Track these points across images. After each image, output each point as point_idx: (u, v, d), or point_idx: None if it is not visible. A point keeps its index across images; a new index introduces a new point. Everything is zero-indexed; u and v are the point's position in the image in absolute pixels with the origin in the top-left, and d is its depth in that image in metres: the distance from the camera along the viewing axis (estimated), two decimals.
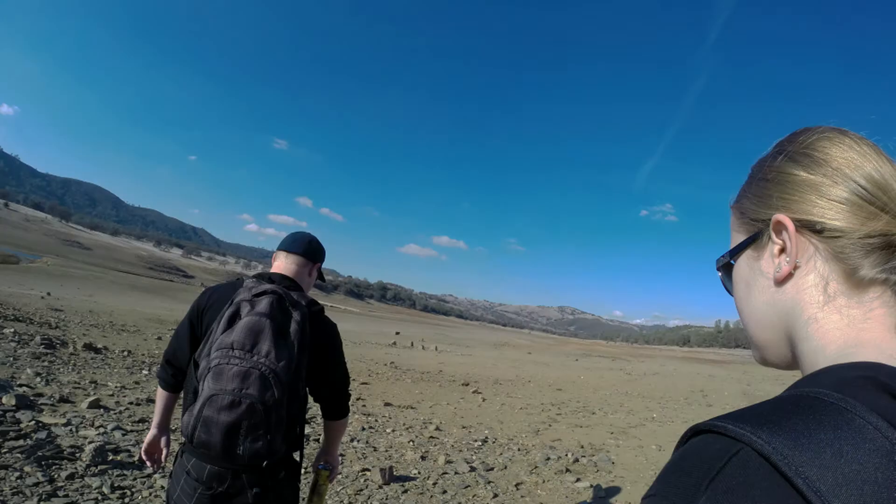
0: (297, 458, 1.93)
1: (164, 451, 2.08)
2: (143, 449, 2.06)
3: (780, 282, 0.59)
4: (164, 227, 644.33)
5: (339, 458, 2.28)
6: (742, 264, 0.65)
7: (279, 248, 2.10)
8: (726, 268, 0.68)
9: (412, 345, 30.98)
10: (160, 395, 2.03)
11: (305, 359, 1.75)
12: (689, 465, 0.46)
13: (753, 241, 0.63)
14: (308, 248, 2.08)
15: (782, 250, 0.59)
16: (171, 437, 2.12)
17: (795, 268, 0.58)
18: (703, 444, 0.47)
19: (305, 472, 4.06)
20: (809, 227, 0.57)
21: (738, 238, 0.66)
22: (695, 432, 0.49)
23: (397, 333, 44.09)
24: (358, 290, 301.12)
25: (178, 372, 1.96)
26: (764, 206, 0.62)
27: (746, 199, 0.65)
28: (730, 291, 0.69)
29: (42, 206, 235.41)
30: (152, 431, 2.06)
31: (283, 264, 2.04)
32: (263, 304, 1.71)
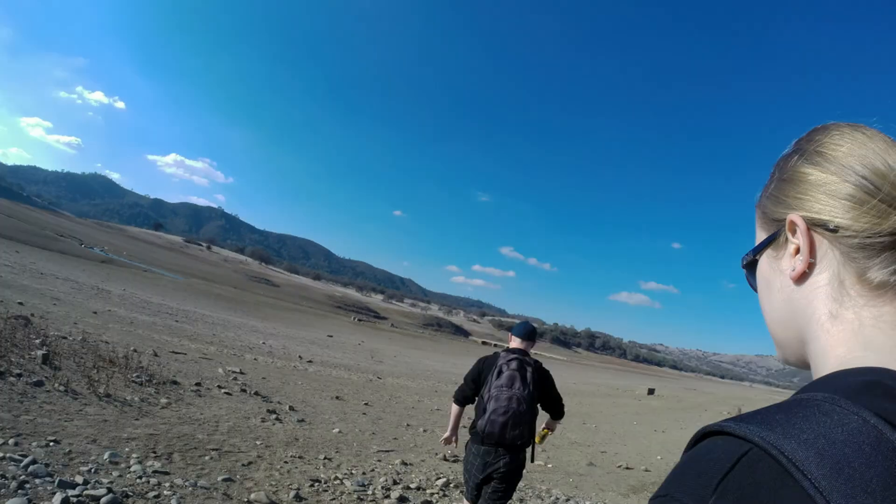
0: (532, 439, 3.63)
1: (456, 440, 4.03)
2: (444, 438, 4.05)
3: (796, 281, 0.60)
4: (373, 277, 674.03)
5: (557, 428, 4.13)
6: (763, 263, 0.66)
7: (513, 334, 3.89)
8: (750, 266, 0.69)
9: None
10: (455, 409, 3.95)
11: (536, 390, 3.55)
12: (698, 466, 0.47)
13: (772, 240, 0.64)
14: (530, 335, 3.87)
15: (798, 250, 0.59)
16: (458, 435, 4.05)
17: (811, 266, 0.58)
18: (713, 446, 0.47)
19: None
20: (823, 226, 0.57)
21: (760, 237, 0.67)
22: (703, 434, 0.50)
23: (651, 393, 37.31)
24: (564, 338, 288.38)
25: (466, 399, 3.83)
26: (781, 206, 0.62)
27: (767, 199, 0.66)
28: (754, 289, 0.70)
29: (244, 251, 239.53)
30: (451, 430, 4.00)
31: (517, 343, 3.80)
32: (514, 364, 3.54)
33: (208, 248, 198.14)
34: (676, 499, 0.46)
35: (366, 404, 10.80)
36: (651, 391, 38.29)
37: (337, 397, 10.75)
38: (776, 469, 0.42)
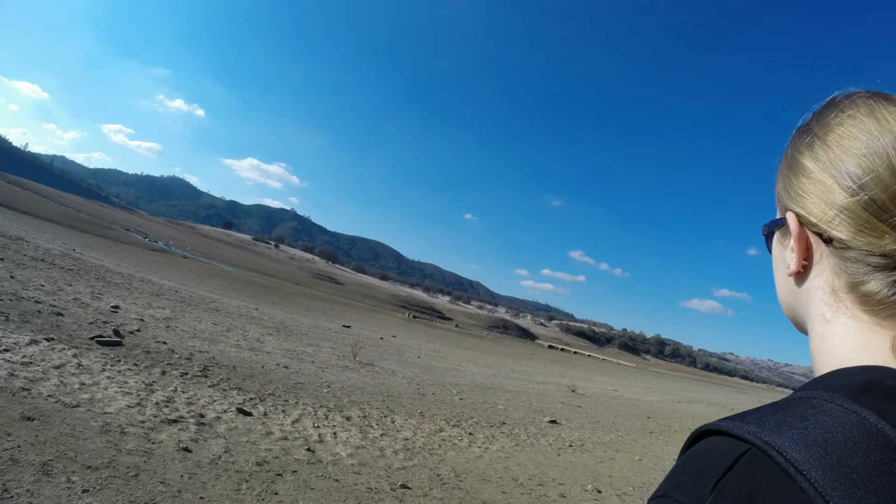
0: None
1: None
2: None
3: (794, 277, 0.59)
4: (442, 279, 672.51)
5: None
6: (774, 241, 0.65)
7: None
8: (768, 237, 0.67)
9: None
10: None
11: None
12: (696, 466, 0.46)
13: (779, 225, 0.62)
14: None
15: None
16: None
17: (806, 268, 0.57)
18: (710, 446, 0.47)
19: None
20: (818, 232, 0.55)
21: (777, 211, 0.65)
22: (700, 434, 0.49)
23: None
24: (633, 344, 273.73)
25: None
26: (786, 195, 0.60)
27: (780, 179, 0.63)
28: (771, 254, 0.68)
29: (312, 250, 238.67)
30: None
31: None
32: None
33: (276, 246, 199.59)
34: (674, 499, 0.45)
35: None
36: None
37: None
38: (774, 469, 0.41)
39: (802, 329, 0.62)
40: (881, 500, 0.38)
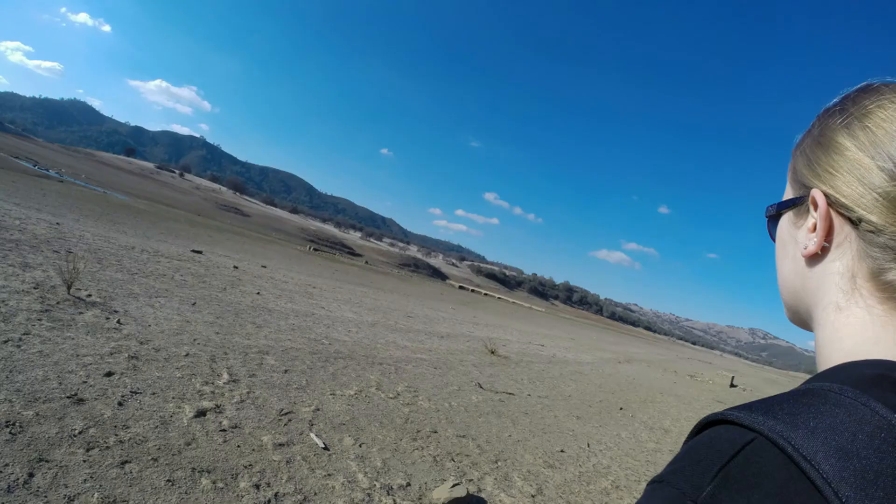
0: None
1: None
2: None
3: (808, 259, 0.57)
4: (355, 215, 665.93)
5: None
6: (784, 222, 0.63)
7: None
8: (773, 218, 0.66)
9: None
10: None
11: None
12: (700, 454, 0.46)
13: (795, 204, 0.60)
14: None
15: (815, 228, 0.56)
16: None
17: (824, 250, 0.55)
18: (716, 434, 0.46)
19: None
20: (846, 212, 0.53)
21: (788, 192, 0.63)
22: (707, 423, 0.49)
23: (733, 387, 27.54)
24: (542, 289, 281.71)
25: None
26: (810, 173, 0.58)
27: (800, 155, 0.61)
28: (773, 239, 0.67)
29: (219, 180, 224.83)
30: None
31: None
32: None
33: (181, 175, 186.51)
34: (671, 484, 0.45)
35: None
36: (733, 383, 26.75)
37: None
38: (782, 459, 0.41)
39: (802, 317, 0.61)
40: (890, 494, 0.37)
